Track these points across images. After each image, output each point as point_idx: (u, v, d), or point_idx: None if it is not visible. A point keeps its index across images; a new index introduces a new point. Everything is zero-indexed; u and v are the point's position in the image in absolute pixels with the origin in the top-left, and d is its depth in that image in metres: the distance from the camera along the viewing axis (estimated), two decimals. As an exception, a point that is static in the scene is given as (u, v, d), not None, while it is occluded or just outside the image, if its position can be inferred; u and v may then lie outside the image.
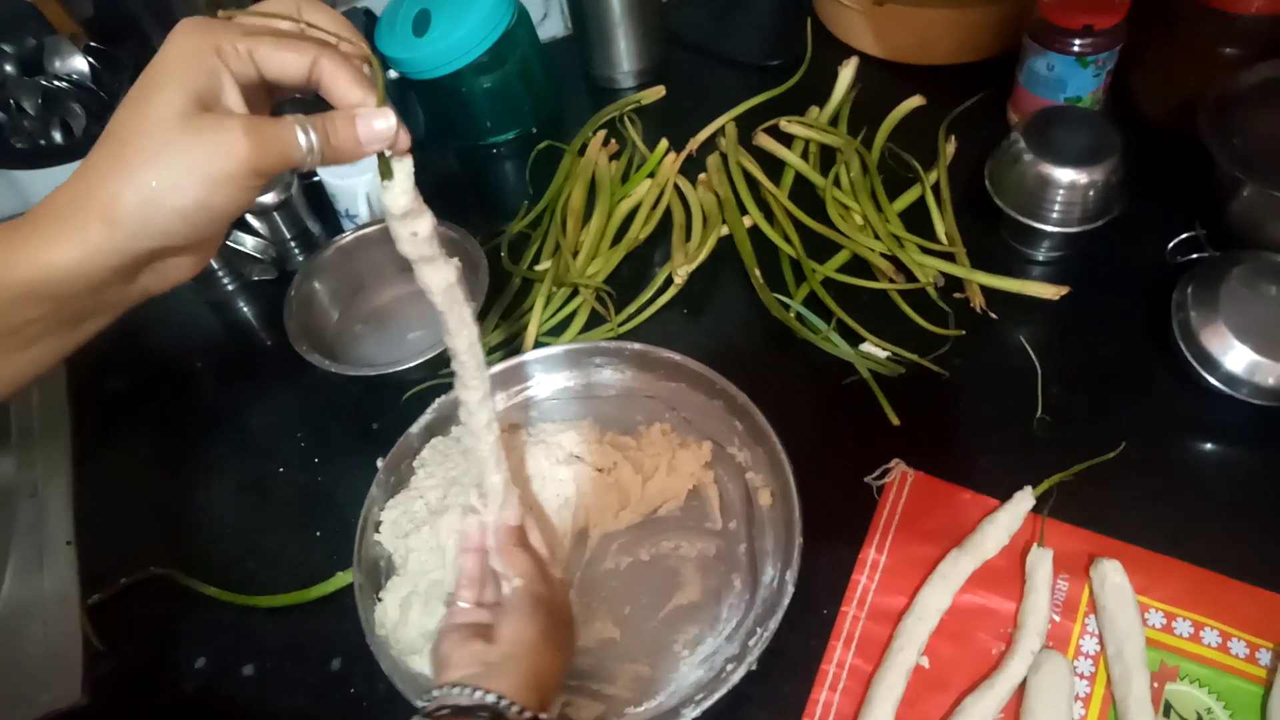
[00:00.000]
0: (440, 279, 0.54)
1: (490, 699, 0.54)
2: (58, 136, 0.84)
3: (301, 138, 0.43)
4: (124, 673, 0.72)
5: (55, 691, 0.70)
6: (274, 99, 0.48)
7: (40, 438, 0.86)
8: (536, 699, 0.56)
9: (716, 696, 0.61)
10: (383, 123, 0.45)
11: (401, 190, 0.48)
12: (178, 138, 0.41)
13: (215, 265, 0.92)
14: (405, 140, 0.47)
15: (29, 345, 0.44)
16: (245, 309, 0.94)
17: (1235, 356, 0.71)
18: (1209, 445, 0.74)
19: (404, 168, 0.48)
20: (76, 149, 0.83)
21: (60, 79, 0.84)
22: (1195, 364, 0.73)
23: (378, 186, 0.49)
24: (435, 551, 0.70)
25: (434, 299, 0.54)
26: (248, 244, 0.90)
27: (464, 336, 0.57)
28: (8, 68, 0.83)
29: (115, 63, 0.86)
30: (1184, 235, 0.80)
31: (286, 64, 0.44)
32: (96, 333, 0.47)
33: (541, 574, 0.64)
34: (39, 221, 0.41)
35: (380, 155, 0.47)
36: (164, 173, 0.41)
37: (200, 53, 0.42)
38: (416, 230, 0.50)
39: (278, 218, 0.91)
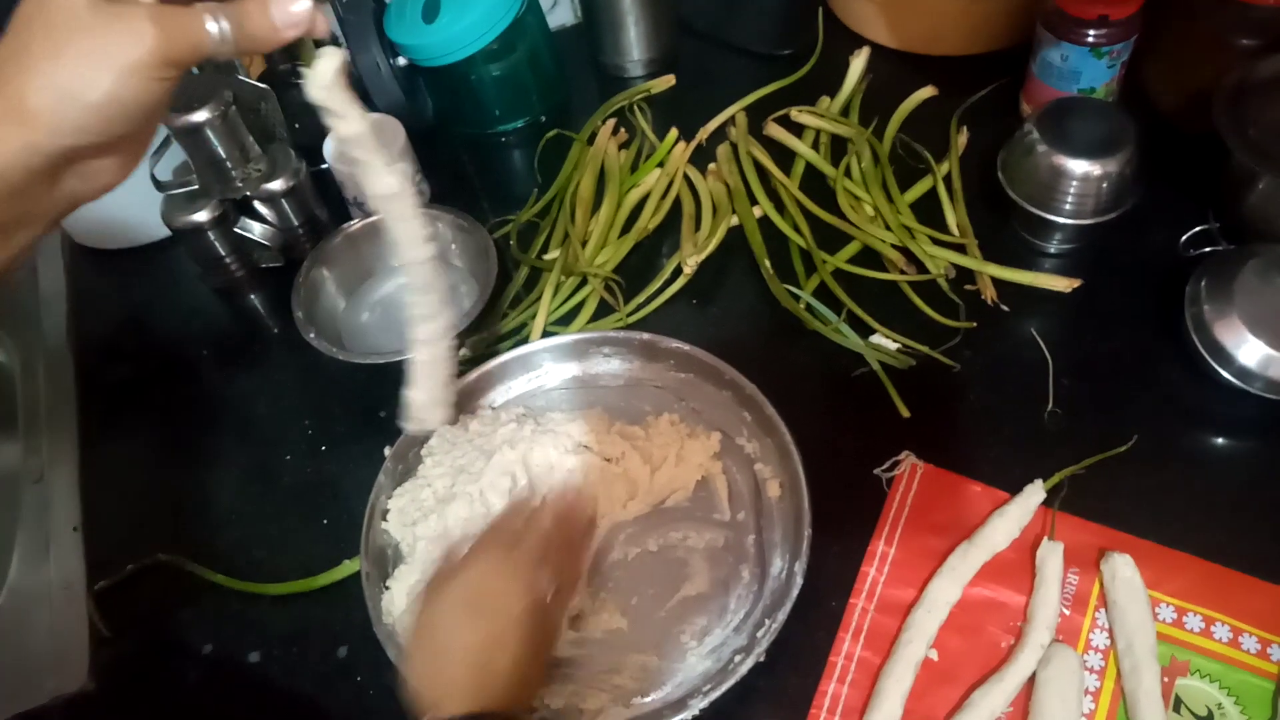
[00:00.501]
0: (380, 186, 0.52)
1: None
2: None
3: (211, 25, 0.42)
4: (130, 659, 0.72)
5: (62, 677, 0.71)
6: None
7: (46, 424, 0.86)
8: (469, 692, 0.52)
9: (724, 688, 0.61)
10: (299, 5, 0.44)
11: (320, 84, 0.47)
12: (83, 28, 0.40)
13: (223, 251, 0.91)
14: (324, 25, 0.45)
15: None
16: (252, 296, 0.94)
17: (1249, 350, 0.71)
18: (1221, 440, 0.74)
19: (329, 60, 0.47)
20: None
21: None
22: (1208, 357, 0.72)
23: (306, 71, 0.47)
24: (443, 540, 0.69)
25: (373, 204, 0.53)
26: (255, 231, 0.89)
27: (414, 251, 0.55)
28: None
29: None
30: (1198, 228, 0.79)
31: None
32: (30, 244, 0.46)
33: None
34: None
35: (301, 41, 0.45)
36: (70, 66, 0.40)
37: None
38: (340, 131, 0.49)
39: (285, 205, 0.90)
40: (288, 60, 0.96)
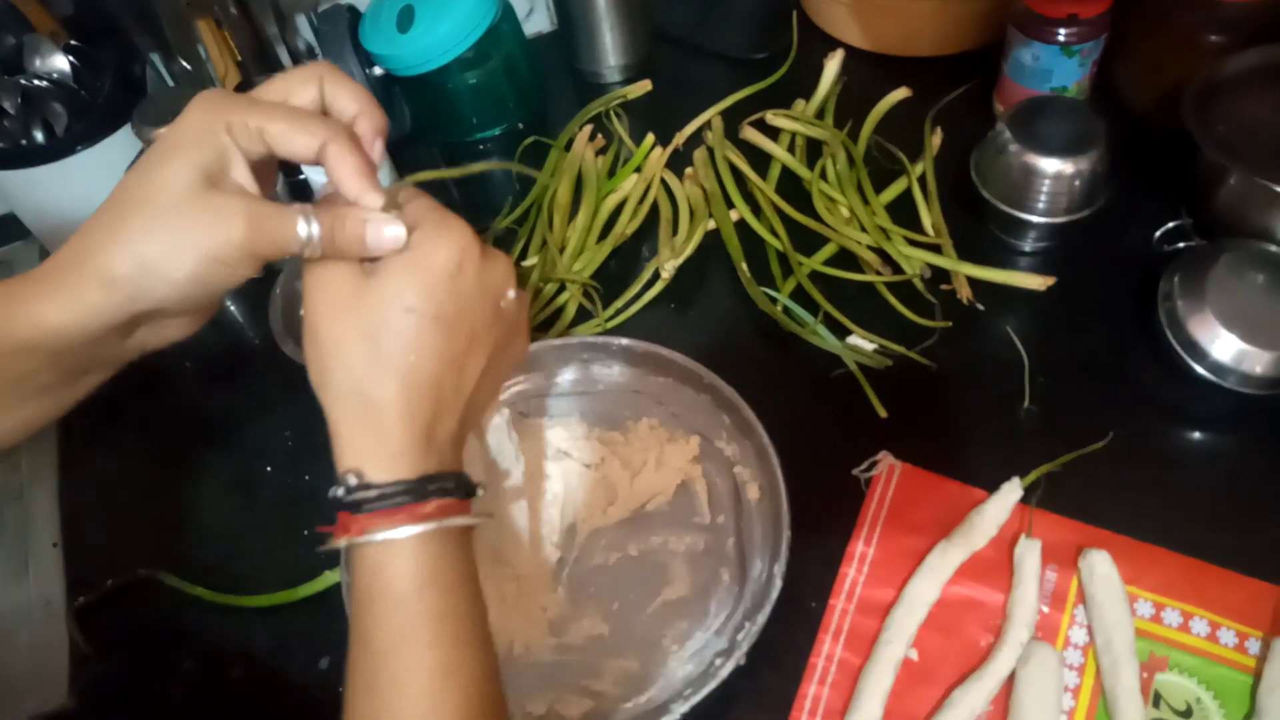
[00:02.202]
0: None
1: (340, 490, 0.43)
2: (39, 136, 0.83)
3: (303, 228, 0.43)
4: (111, 676, 0.72)
5: (42, 695, 0.70)
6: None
7: (26, 441, 0.85)
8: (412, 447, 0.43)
9: (705, 691, 0.61)
10: (392, 232, 0.45)
11: None
12: (178, 211, 0.42)
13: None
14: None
15: (32, 397, 0.46)
16: (232, 307, 0.94)
17: (1222, 345, 0.71)
18: (1196, 434, 0.74)
19: None
20: (58, 149, 0.83)
21: (40, 78, 0.83)
22: (1182, 353, 0.73)
23: None
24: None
25: None
26: (232, 243, 0.89)
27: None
28: (-13, 67, 0.82)
29: (96, 61, 0.86)
30: (1170, 224, 0.80)
31: (295, 146, 0.44)
32: (97, 385, 0.49)
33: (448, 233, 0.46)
34: (41, 280, 0.43)
35: None
36: (160, 244, 0.42)
37: (211, 128, 0.43)
38: None
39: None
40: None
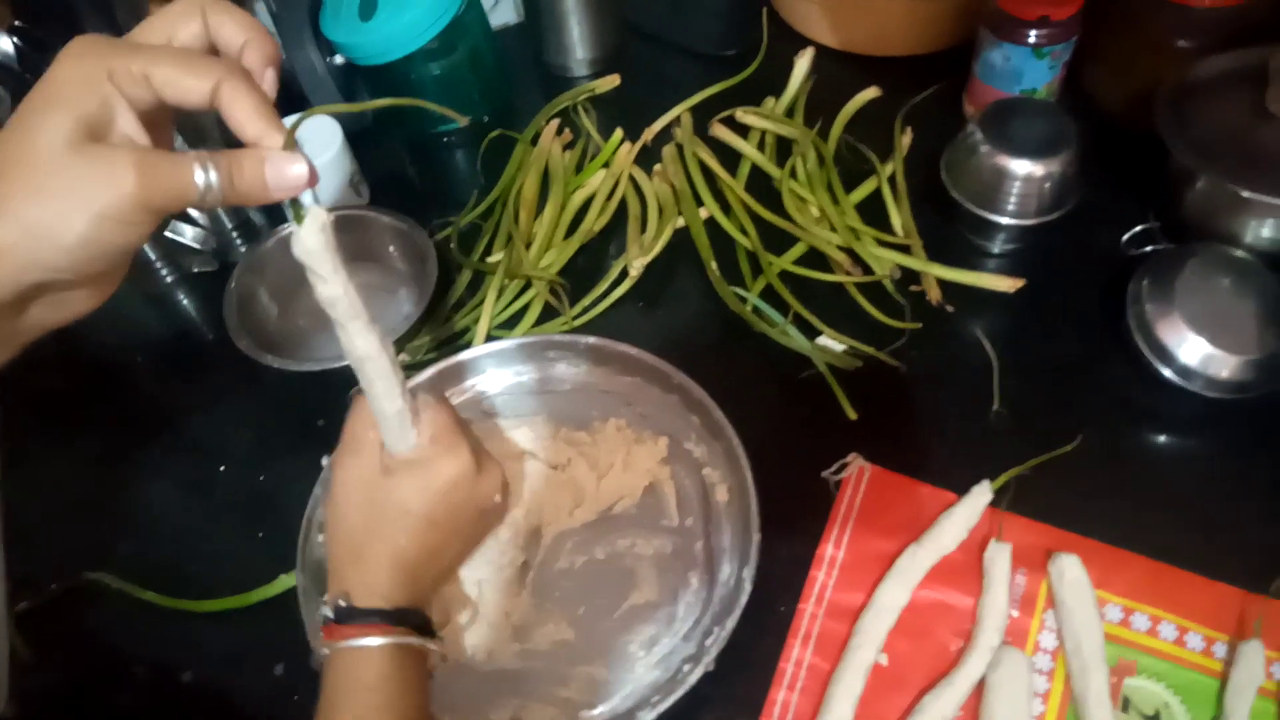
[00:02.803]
0: (358, 347, 0.51)
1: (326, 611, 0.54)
2: (-19, 121, 0.80)
3: (199, 175, 0.41)
4: (55, 683, 0.69)
5: (-18, 703, 0.67)
6: (178, 117, 0.46)
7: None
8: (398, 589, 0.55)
9: (674, 698, 0.60)
10: (296, 169, 0.43)
11: (305, 245, 0.46)
12: (62, 169, 0.39)
13: (153, 256, 0.89)
14: (313, 179, 0.44)
15: None
16: (185, 302, 0.91)
17: (1190, 349, 0.71)
18: (1164, 438, 0.74)
19: (315, 220, 0.45)
20: None
21: (-17, 61, 0.80)
22: (1150, 356, 0.73)
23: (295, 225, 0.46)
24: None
25: (336, 311, 0.50)
26: (187, 235, 0.87)
27: (374, 334, 0.53)
28: (-74, 49, 0.79)
29: (43, 45, 0.82)
30: (1139, 227, 0.80)
31: (187, 89, 0.42)
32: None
33: (458, 434, 0.58)
34: None
35: (293, 202, 0.45)
36: (46, 206, 0.39)
37: (91, 77, 0.40)
38: (320, 292, 0.48)
39: (218, 208, 0.87)
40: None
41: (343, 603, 0.53)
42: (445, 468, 0.55)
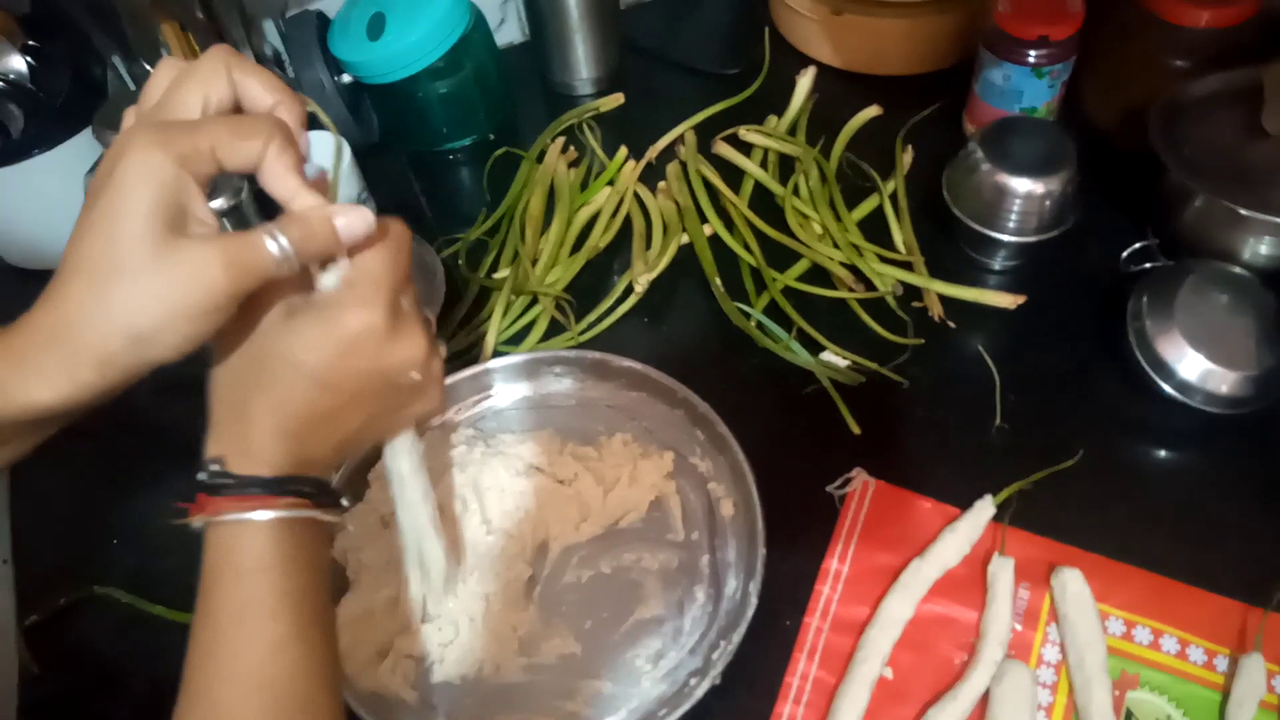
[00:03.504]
0: None
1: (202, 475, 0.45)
2: (-7, 138, 0.81)
3: (273, 248, 0.42)
4: (63, 697, 0.69)
5: (-10, 717, 0.68)
6: None
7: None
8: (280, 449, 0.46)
9: (680, 712, 0.60)
10: (357, 215, 0.44)
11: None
12: (156, 275, 0.40)
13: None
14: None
15: (4, 445, 0.46)
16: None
17: (1189, 364, 0.72)
18: (1164, 452, 0.75)
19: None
20: (13, 152, 0.80)
21: (-4, 79, 0.81)
22: (1150, 372, 0.74)
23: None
24: (390, 567, 0.68)
25: None
26: (194, 251, 0.87)
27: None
28: (-61, 67, 0.80)
29: (54, 62, 0.83)
30: (1137, 245, 0.81)
31: (245, 156, 0.43)
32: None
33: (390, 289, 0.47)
34: (24, 356, 0.41)
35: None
36: (150, 315, 0.41)
37: (161, 167, 0.41)
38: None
39: (226, 224, 0.88)
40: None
41: (217, 467, 0.45)
42: (349, 320, 0.46)
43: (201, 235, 0.42)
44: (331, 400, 0.47)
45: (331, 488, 0.48)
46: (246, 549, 0.44)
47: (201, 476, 0.45)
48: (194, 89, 0.45)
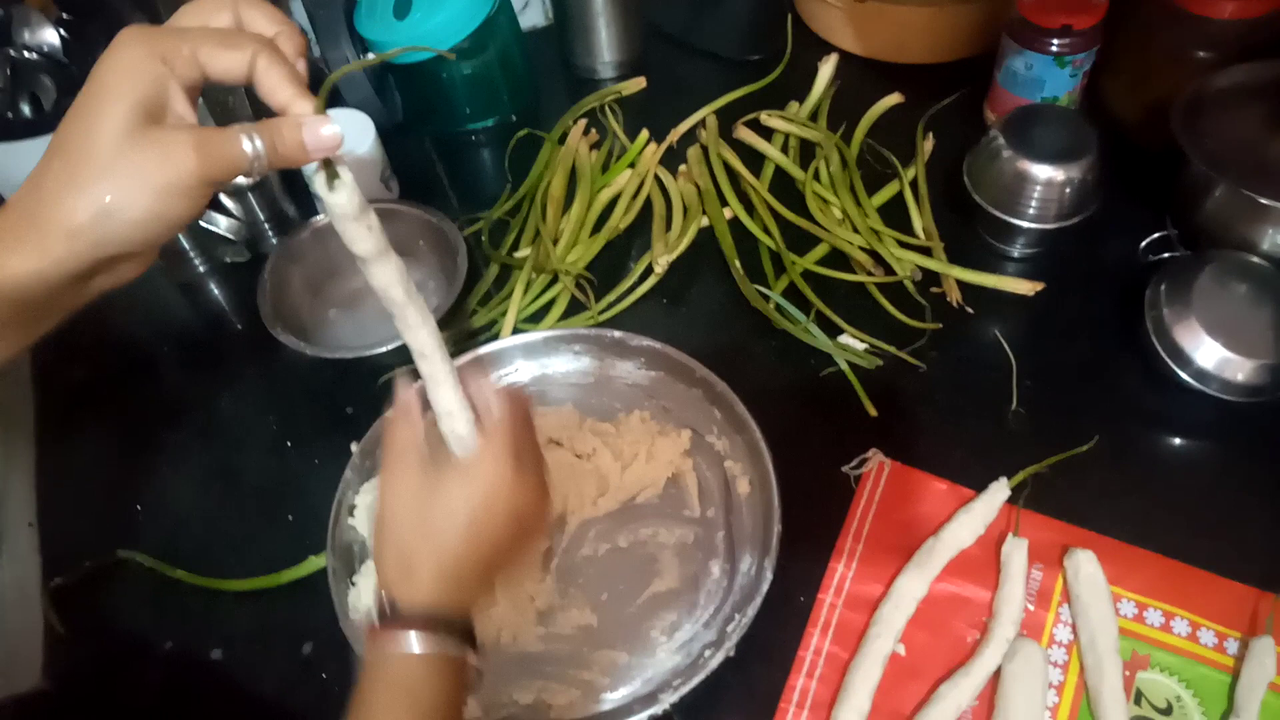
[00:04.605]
0: (393, 271, 0.52)
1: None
2: (26, 110, 0.82)
3: (247, 145, 0.45)
4: (87, 657, 0.71)
5: (14, 676, 0.69)
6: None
7: (2, 418, 0.84)
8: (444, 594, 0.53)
9: (695, 682, 0.61)
10: (329, 129, 0.46)
11: (352, 189, 0.48)
12: (127, 153, 0.43)
13: (186, 245, 0.90)
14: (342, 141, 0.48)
15: None
16: (216, 291, 0.92)
17: (1206, 352, 0.73)
18: (1179, 439, 0.75)
19: (345, 169, 0.48)
20: (45, 123, 0.81)
21: (30, 50, 0.81)
22: (1167, 359, 0.74)
23: (321, 188, 0.48)
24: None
25: (392, 294, 0.52)
26: (221, 225, 0.88)
27: (425, 329, 0.54)
28: (-26, 38, 0.81)
29: (86, 36, 0.84)
30: (1156, 234, 0.81)
31: (229, 64, 0.45)
32: (52, 328, 0.48)
33: (522, 441, 0.56)
34: (0, 231, 0.43)
35: (326, 160, 0.47)
36: (116, 188, 0.43)
37: (145, 62, 0.43)
38: (371, 223, 0.49)
39: (252, 199, 0.89)
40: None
41: (388, 607, 0.52)
42: (486, 471, 0.54)
43: (177, 125, 0.44)
44: (481, 541, 0.54)
45: (474, 633, 0.54)
46: (403, 671, 0.51)
47: (373, 617, 0.53)
48: (195, 14, 0.47)
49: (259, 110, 0.89)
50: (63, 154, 0.43)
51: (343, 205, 0.47)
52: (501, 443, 0.55)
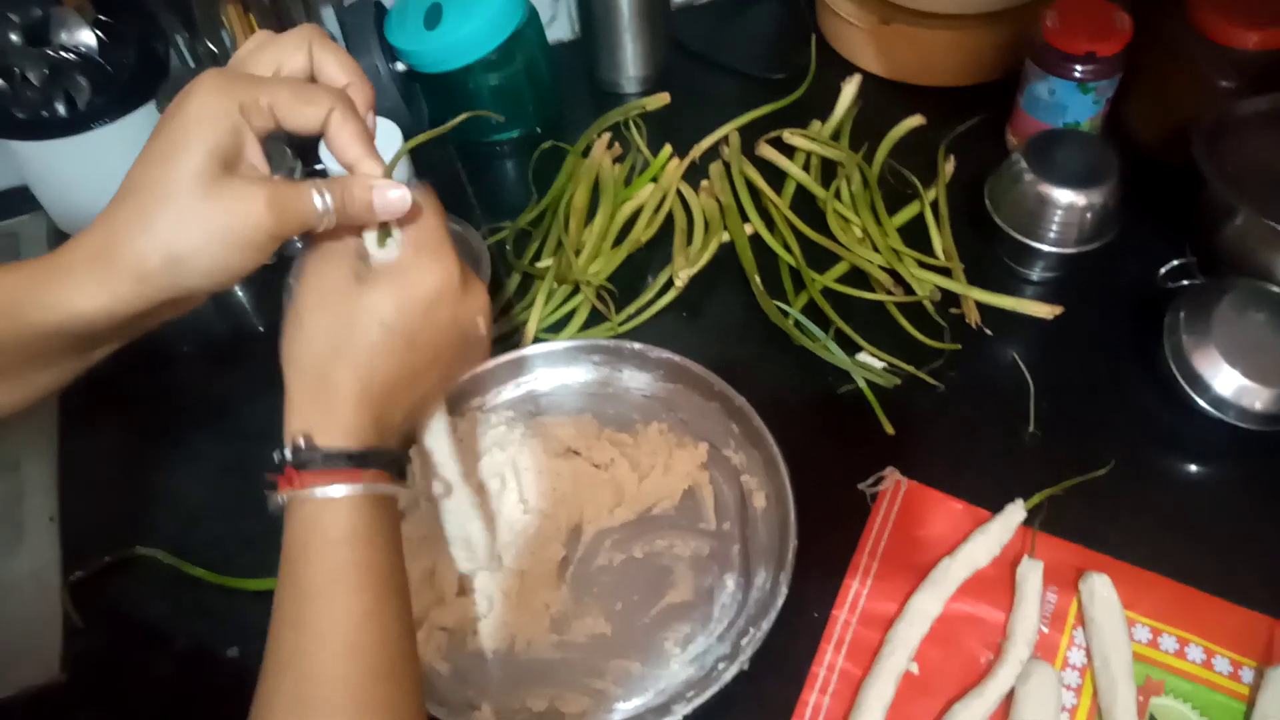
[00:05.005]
0: None
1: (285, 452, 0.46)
2: (60, 109, 0.83)
3: (318, 201, 0.45)
4: (104, 651, 0.71)
5: (32, 668, 0.69)
6: None
7: (22, 414, 0.84)
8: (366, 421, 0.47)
9: (708, 694, 0.61)
10: (397, 194, 0.47)
11: (401, 247, 0.49)
12: (202, 202, 0.43)
13: (212, 247, 0.91)
14: (413, 212, 0.48)
15: (46, 368, 0.47)
16: (239, 292, 0.93)
17: (1224, 380, 0.73)
18: (1195, 466, 0.76)
19: (399, 232, 0.49)
20: (79, 122, 0.82)
21: (66, 50, 0.83)
22: (1185, 385, 0.74)
23: (371, 244, 0.49)
24: (427, 540, 0.69)
25: None
26: (246, 227, 0.89)
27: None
28: (13, 36, 0.82)
29: (122, 37, 0.85)
30: (1175, 261, 0.81)
31: (305, 120, 0.46)
32: (109, 354, 0.50)
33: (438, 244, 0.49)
34: (69, 268, 0.44)
35: (382, 227, 0.48)
36: (189, 238, 0.43)
37: (224, 110, 0.44)
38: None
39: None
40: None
41: (302, 443, 0.45)
42: (430, 277, 0.48)
43: (251, 175, 0.45)
44: (417, 358, 0.48)
45: (404, 461, 0.49)
46: (332, 523, 0.45)
47: (285, 453, 0.46)
48: (272, 54, 0.48)
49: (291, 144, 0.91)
50: (137, 195, 0.44)
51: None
52: (440, 246, 0.49)
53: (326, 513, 0.45)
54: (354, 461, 0.45)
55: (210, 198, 0.43)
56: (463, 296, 0.50)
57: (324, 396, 0.46)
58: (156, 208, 0.43)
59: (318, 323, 0.47)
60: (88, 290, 0.44)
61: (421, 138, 0.52)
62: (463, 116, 0.53)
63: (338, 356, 0.46)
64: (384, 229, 0.48)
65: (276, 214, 0.44)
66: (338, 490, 0.45)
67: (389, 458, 0.47)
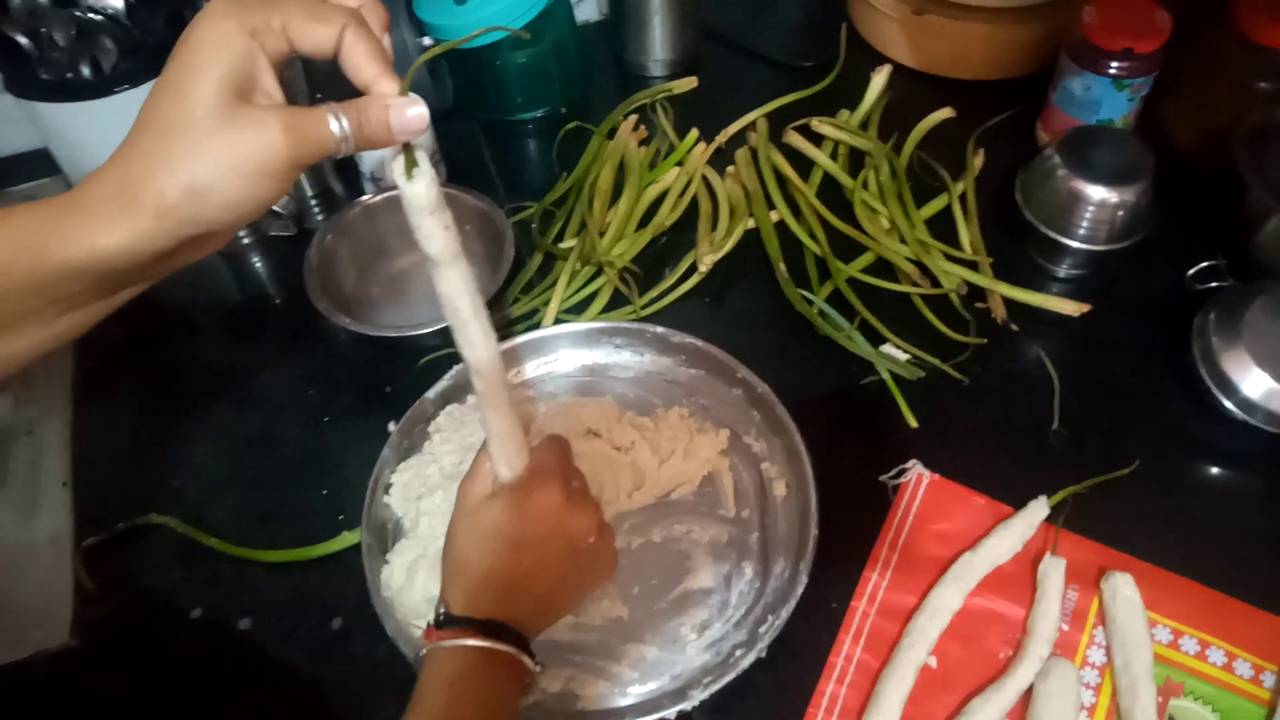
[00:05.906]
0: (463, 279, 0.52)
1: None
2: (86, 71, 0.82)
3: (335, 126, 0.44)
4: (115, 617, 0.71)
5: (45, 631, 0.69)
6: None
7: (39, 377, 0.84)
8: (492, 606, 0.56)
9: (725, 681, 0.61)
10: (415, 110, 0.45)
11: (431, 181, 0.47)
12: (218, 132, 0.42)
13: (233, 217, 0.91)
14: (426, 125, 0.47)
15: (70, 311, 0.46)
16: (258, 264, 0.93)
17: (1254, 383, 0.72)
18: (1221, 468, 0.75)
19: (425, 157, 0.47)
20: (104, 85, 0.81)
21: (95, 11, 0.82)
22: (1213, 387, 0.73)
23: (399, 176, 0.47)
24: (447, 517, 0.69)
25: (458, 304, 0.52)
26: (269, 198, 0.89)
27: (486, 347, 0.54)
28: (40, -3, 0.81)
29: (151, 2, 0.85)
30: (1206, 263, 0.81)
31: (318, 39, 0.45)
32: (133, 297, 0.48)
33: (561, 474, 0.60)
34: (89, 205, 0.43)
35: (406, 146, 0.46)
36: (208, 169, 0.42)
37: (235, 35, 0.43)
38: (447, 222, 0.49)
39: (302, 175, 0.89)
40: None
41: (442, 610, 0.55)
42: (536, 495, 0.58)
43: (267, 104, 0.44)
44: (525, 559, 0.57)
45: (529, 646, 0.56)
46: (452, 666, 0.53)
47: (430, 619, 0.56)
48: None
49: (313, 84, 0.90)
50: (152, 130, 0.43)
51: (420, 196, 0.46)
52: (550, 469, 0.59)
53: (449, 659, 0.53)
54: (475, 625, 0.54)
55: (225, 127, 0.42)
56: (568, 514, 0.59)
57: (460, 579, 0.57)
58: (172, 141, 0.42)
59: (459, 528, 0.59)
60: (108, 228, 0.42)
61: (442, 47, 0.50)
62: (486, 30, 0.53)
63: (469, 551, 0.57)
64: (408, 153, 0.46)
65: (294, 141, 0.43)
66: (455, 642, 0.53)
67: (512, 634, 0.55)
